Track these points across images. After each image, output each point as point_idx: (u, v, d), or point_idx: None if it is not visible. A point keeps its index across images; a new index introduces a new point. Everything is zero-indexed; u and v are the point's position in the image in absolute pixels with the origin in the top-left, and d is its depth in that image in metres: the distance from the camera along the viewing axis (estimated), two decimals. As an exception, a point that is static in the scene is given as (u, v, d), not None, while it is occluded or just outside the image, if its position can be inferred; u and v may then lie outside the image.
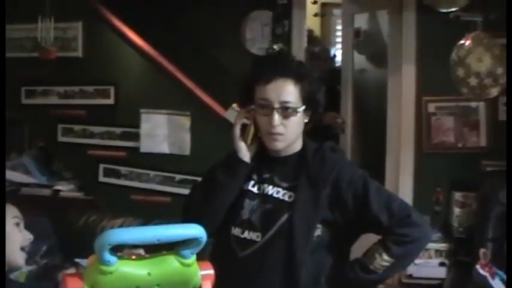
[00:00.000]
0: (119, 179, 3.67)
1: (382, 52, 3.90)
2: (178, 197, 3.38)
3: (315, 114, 1.59)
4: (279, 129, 1.52)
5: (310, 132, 1.65)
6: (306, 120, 1.58)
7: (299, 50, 3.70)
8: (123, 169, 3.66)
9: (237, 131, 1.58)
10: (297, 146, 1.61)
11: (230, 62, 3.70)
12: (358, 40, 4.13)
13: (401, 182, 3.40)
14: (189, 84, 3.51)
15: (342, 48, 4.14)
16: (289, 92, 1.52)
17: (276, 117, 1.50)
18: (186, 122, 3.51)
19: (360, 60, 4.23)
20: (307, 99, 1.54)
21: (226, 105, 3.41)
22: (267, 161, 1.61)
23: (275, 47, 3.72)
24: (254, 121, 1.56)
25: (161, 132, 3.55)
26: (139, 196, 3.60)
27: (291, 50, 3.65)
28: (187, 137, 3.51)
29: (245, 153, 1.58)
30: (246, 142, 1.58)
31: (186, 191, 3.15)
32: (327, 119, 3.50)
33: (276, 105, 1.51)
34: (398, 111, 3.46)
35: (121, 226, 3.18)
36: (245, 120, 1.58)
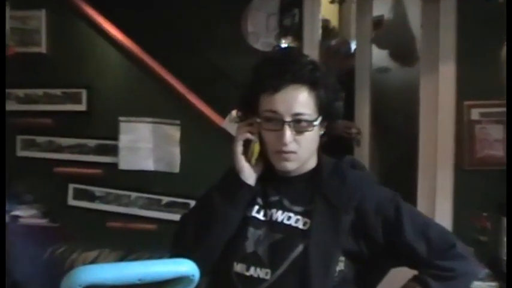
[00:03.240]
0: (92, 202, 3.68)
1: (410, 47, 3.90)
2: (166, 224, 3.42)
3: (331, 125, 1.61)
4: (291, 147, 1.53)
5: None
6: (322, 132, 1.59)
7: (312, 45, 3.70)
8: (98, 190, 3.68)
9: (239, 148, 1.59)
10: (311, 162, 1.62)
11: (228, 60, 3.70)
12: (378, 32, 4.10)
13: (438, 206, 3.38)
14: (179, 87, 3.54)
15: (357, 42, 4.08)
16: (302, 101, 1.52)
17: (288, 133, 1.51)
18: (175, 132, 3.53)
19: (380, 56, 4.20)
20: (324, 108, 1.55)
21: (223, 113, 3.41)
22: (274, 181, 1.62)
23: (283, 42, 3.70)
24: (259, 136, 1.57)
25: (145, 145, 3.58)
26: (117, 223, 3.61)
27: (302, 46, 3.66)
28: (176, 151, 3.53)
29: (249, 174, 1.59)
30: (249, 162, 1.59)
31: (175, 217, 3.13)
32: (338, 129, 3.48)
33: (288, 119, 1.51)
34: (433, 119, 3.45)
35: (95, 261, 3.21)
36: (248, 135, 1.58)
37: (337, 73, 3.46)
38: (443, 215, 3.34)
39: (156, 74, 3.57)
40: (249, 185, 1.58)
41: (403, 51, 4.14)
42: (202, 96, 3.54)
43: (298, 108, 1.51)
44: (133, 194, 3.61)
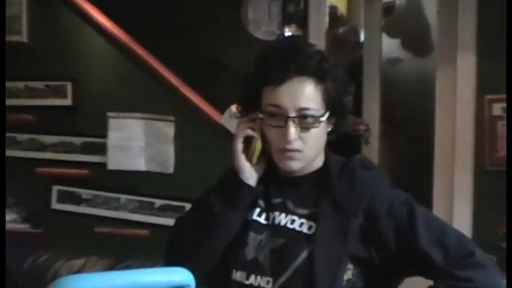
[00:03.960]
0: (78, 206, 3.68)
1: (424, 35, 3.89)
2: (159, 229, 3.43)
3: (340, 121, 1.61)
4: (296, 144, 1.53)
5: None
6: (329, 129, 1.59)
7: (318, 34, 3.70)
8: (85, 192, 3.68)
9: (239, 146, 1.59)
10: (318, 162, 1.63)
11: (227, 51, 3.71)
12: (388, 19, 4.10)
13: (456, 210, 3.37)
14: (173, 80, 3.55)
15: (366, 30, 4.07)
16: (309, 95, 1.52)
17: (292, 130, 1.51)
18: (168, 129, 3.54)
19: (391, 46, 4.18)
20: (332, 103, 1.55)
21: (222, 108, 3.40)
22: (277, 182, 1.62)
23: (286, 30, 3.70)
24: (261, 133, 1.57)
25: (136, 143, 3.59)
26: (106, 228, 3.61)
27: (307, 35, 3.66)
28: (170, 150, 3.53)
29: (250, 174, 1.59)
30: (250, 160, 1.59)
31: (169, 222, 3.16)
32: (347, 124, 3.51)
33: (292, 114, 1.51)
34: (450, 114, 3.43)
35: (81, 270, 3.21)
36: (249, 132, 1.58)
37: (345, 65, 3.52)
38: (461, 220, 3.32)
39: (148, 66, 3.57)
40: (249, 186, 1.59)
41: (417, 40, 4.13)
42: (199, 89, 3.55)
43: (304, 103, 1.51)
44: (123, 197, 3.62)
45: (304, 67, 1.51)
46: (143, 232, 3.55)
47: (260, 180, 1.61)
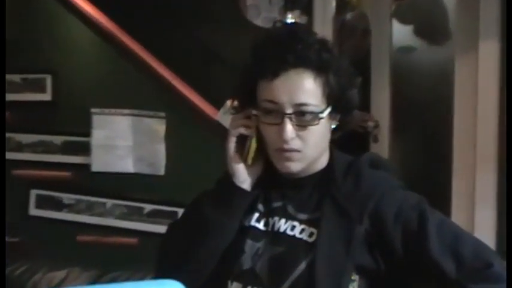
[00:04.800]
0: (59, 212, 3.67)
1: (440, 20, 3.87)
2: (149, 237, 3.43)
3: (345, 117, 1.62)
4: (294, 143, 1.54)
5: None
6: (334, 126, 1.60)
7: (324, 20, 3.68)
8: (66, 197, 3.67)
9: (232, 145, 1.60)
10: (321, 161, 1.64)
11: (223, 40, 3.64)
12: (399, 3, 4.02)
13: (478, 216, 3.32)
14: (164, 72, 3.53)
15: (374, 16, 3.98)
16: (307, 89, 1.52)
17: (289, 128, 1.52)
18: (159, 127, 3.53)
19: (402, 33, 4.10)
20: (334, 97, 1.56)
21: (218, 104, 3.38)
22: (277, 184, 1.63)
23: (289, 16, 3.66)
24: (257, 131, 1.58)
25: (123, 142, 3.58)
26: (90, 236, 3.61)
27: (312, 21, 3.62)
28: (161, 150, 3.52)
29: (244, 177, 1.60)
30: (245, 161, 1.60)
31: (159, 229, 3.09)
32: (353, 121, 3.47)
33: (288, 110, 1.52)
34: (471, 109, 3.38)
35: (63, 283, 3.19)
36: (243, 130, 1.59)
37: (354, 54, 3.47)
38: (484, 226, 3.29)
39: (136, 57, 3.55)
40: (243, 191, 1.60)
41: (432, 26, 4.07)
42: (193, 83, 3.52)
43: (302, 98, 1.51)
44: (109, 202, 3.61)
45: (301, 58, 1.51)
46: (131, 240, 3.55)
47: (259, 183, 1.63)
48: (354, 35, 4.02)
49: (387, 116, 3.78)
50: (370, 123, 3.66)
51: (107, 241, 3.58)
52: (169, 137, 3.52)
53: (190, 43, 3.67)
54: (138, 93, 3.59)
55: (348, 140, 1.71)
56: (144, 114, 3.55)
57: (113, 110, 3.58)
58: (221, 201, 1.60)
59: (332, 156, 1.65)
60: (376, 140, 3.69)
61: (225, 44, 3.57)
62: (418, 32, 4.09)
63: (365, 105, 3.64)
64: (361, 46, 3.95)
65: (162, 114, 3.52)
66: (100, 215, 3.62)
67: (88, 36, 3.64)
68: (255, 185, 1.63)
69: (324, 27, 3.53)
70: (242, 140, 1.60)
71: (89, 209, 3.63)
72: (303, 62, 1.51)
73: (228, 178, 1.61)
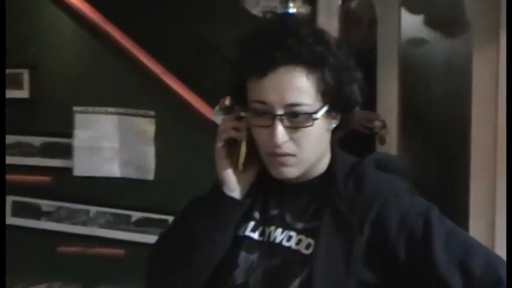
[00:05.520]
0: (38, 220, 3.66)
1: (456, 10, 3.83)
2: (136, 247, 3.43)
3: (346, 116, 1.60)
4: (287, 147, 1.51)
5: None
6: (334, 125, 1.58)
7: (329, 10, 3.65)
8: (46, 204, 3.67)
9: (221, 150, 1.60)
10: (322, 164, 1.62)
11: (218, 31, 3.65)
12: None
13: (499, 225, 3.28)
14: (154, 67, 3.54)
15: (380, 4, 3.93)
16: (298, 88, 1.49)
17: (280, 131, 1.49)
18: (148, 127, 3.54)
19: (412, 24, 4.05)
20: (331, 95, 1.52)
21: (213, 101, 3.34)
22: (275, 190, 1.62)
23: (290, 6, 3.65)
24: (249, 134, 1.56)
25: (108, 143, 3.59)
26: (71, 247, 3.61)
27: (316, 11, 3.61)
28: (150, 152, 3.52)
29: (234, 185, 1.59)
30: (237, 167, 1.59)
31: (148, 239, 3.18)
32: (356, 121, 3.43)
33: (279, 111, 1.48)
34: (490, 108, 3.35)
35: None
36: (233, 134, 1.58)
37: (359, 47, 3.42)
38: (505, 236, 3.25)
39: (123, 50, 3.57)
40: (234, 200, 1.59)
41: (446, 16, 4.03)
42: (185, 78, 3.53)
43: (293, 97, 1.48)
44: (93, 209, 3.61)
45: (291, 54, 1.48)
46: (117, 252, 3.55)
47: (256, 189, 1.62)
48: (359, 25, 3.99)
49: (395, 116, 3.73)
50: (377, 123, 3.63)
51: (91, 253, 3.57)
52: (159, 138, 3.52)
53: (182, 34, 3.70)
54: (125, 90, 3.59)
55: (352, 143, 1.69)
56: (131, 113, 3.56)
57: (97, 109, 3.58)
58: (210, 213, 1.58)
59: (334, 157, 1.62)
60: (383, 141, 3.66)
61: (220, 36, 3.54)
62: (430, 23, 4.05)
63: (370, 103, 3.63)
64: (366, 38, 3.93)
65: (152, 112, 3.52)
66: (83, 223, 3.62)
67: (71, 28, 3.66)
68: (250, 191, 1.61)
69: (329, 18, 3.53)
70: (233, 144, 1.58)
71: (71, 217, 3.63)
72: (293, 58, 1.48)
73: (215, 186, 1.60)
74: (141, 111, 3.53)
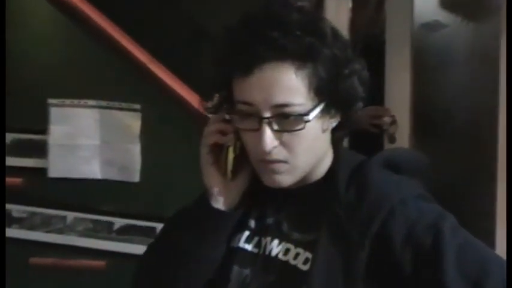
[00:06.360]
0: (8, 228, 3.58)
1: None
2: (119, 259, 3.43)
3: (347, 113, 1.58)
4: (278, 153, 1.51)
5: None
6: (335, 124, 1.57)
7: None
8: (17, 209, 3.63)
9: (207, 157, 1.61)
10: (323, 167, 1.61)
11: (212, 15, 3.54)
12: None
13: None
14: (140, 54, 3.50)
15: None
16: (286, 86, 1.47)
17: (268, 135, 1.48)
18: (133, 122, 3.50)
19: (427, 5, 4.02)
20: (326, 90, 1.50)
21: (208, 95, 3.28)
22: (270, 195, 1.61)
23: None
24: (237, 137, 1.57)
25: (88, 140, 3.55)
26: (46, 258, 3.57)
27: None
28: (135, 150, 3.48)
29: (222, 195, 1.60)
30: (225, 174, 1.59)
31: (133, 249, 3.22)
32: (363, 118, 3.41)
33: (266, 114, 1.47)
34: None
35: None
36: (217, 138, 1.59)
37: (366, 31, 3.54)
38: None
39: (104, 35, 3.53)
40: (221, 213, 1.60)
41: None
42: (175, 68, 3.49)
43: (281, 98, 1.46)
44: (71, 215, 3.57)
45: (277, 48, 1.46)
46: (98, 263, 3.52)
47: (252, 195, 1.63)
48: (365, 4, 3.98)
49: (407, 111, 3.69)
50: (386, 119, 3.60)
51: (68, 264, 3.55)
52: (145, 135, 3.48)
53: (171, 17, 3.64)
54: (107, 80, 3.55)
55: (358, 143, 1.68)
56: (114, 106, 3.52)
57: (75, 101, 3.54)
58: (197, 226, 1.60)
59: (336, 158, 1.62)
60: (392, 140, 3.62)
61: (214, 20, 3.30)
62: (448, 4, 4.01)
63: (378, 96, 3.62)
64: (374, 20, 3.93)
65: (137, 106, 3.48)
66: (59, 231, 3.57)
67: (44, 9, 3.61)
68: (244, 198, 1.62)
69: (338, 5, 3.54)
70: (221, 149, 1.59)
71: (45, 224, 3.59)
72: (279, 53, 1.45)
73: (205, 196, 1.61)
74: (125, 105, 3.49)
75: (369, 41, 3.53)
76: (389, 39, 3.70)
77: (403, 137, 3.63)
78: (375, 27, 3.82)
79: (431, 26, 3.95)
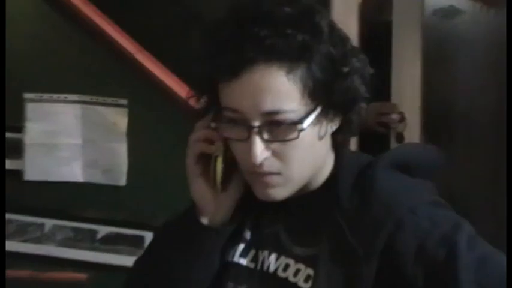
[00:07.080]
0: None
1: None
2: (102, 271, 3.43)
3: (347, 116, 1.55)
4: (270, 165, 1.48)
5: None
6: (335, 127, 1.53)
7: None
8: None
9: (194, 167, 1.59)
10: (324, 172, 1.58)
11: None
12: None
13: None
14: (126, 44, 3.47)
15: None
16: (277, 91, 1.43)
17: (258, 146, 1.45)
18: (119, 119, 3.46)
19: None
20: (323, 91, 1.46)
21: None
22: (267, 204, 1.57)
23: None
24: (226, 145, 1.55)
25: (68, 139, 3.51)
26: (21, 271, 3.53)
27: None
28: (121, 150, 3.44)
29: (211, 209, 1.59)
30: (215, 186, 1.58)
31: (118, 260, 3.27)
32: (369, 116, 3.43)
33: (255, 122, 1.44)
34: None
35: None
36: (205, 147, 1.57)
37: (372, 17, 3.48)
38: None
39: (87, 22, 3.49)
40: (209, 228, 1.59)
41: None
42: (165, 58, 3.44)
43: (271, 104, 1.43)
44: (49, 223, 3.52)
45: (265, 49, 1.41)
46: (79, 276, 3.49)
47: (247, 204, 1.61)
48: None
49: (417, 108, 3.68)
50: (394, 117, 3.62)
51: (46, 277, 3.52)
52: (132, 133, 3.45)
53: (163, 3, 3.58)
54: (89, 73, 3.51)
55: (363, 138, 1.63)
56: (98, 101, 3.47)
57: (54, 96, 3.50)
58: (185, 247, 1.59)
59: (338, 161, 1.58)
60: (400, 139, 3.64)
61: (209, 5, 3.31)
62: None
63: (384, 91, 3.63)
64: (380, 5, 3.91)
65: (123, 101, 3.44)
66: (36, 241, 3.54)
67: None
68: (237, 210, 1.60)
69: None
70: (209, 158, 1.58)
71: (21, 232, 3.56)
72: (268, 54, 1.41)
73: (192, 209, 1.61)
74: (109, 100, 3.45)
75: (379, 28, 3.52)
76: (397, 26, 3.70)
77: (412, 137, 3.64)
78: (381, 14, 3.81)
79: (445, 13, 3.95)
